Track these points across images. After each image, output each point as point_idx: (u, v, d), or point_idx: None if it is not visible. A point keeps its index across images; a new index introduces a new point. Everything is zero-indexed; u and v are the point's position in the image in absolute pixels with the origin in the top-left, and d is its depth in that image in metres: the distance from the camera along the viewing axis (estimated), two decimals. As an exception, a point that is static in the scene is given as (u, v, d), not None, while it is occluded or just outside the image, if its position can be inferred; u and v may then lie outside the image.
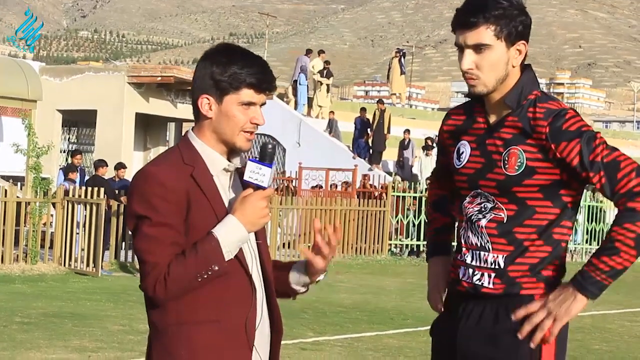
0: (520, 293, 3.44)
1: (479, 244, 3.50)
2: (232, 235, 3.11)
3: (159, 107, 25.74)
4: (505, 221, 3.45)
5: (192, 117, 3.27)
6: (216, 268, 3.08)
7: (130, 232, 3.19)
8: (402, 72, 37.48)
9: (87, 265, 16.93)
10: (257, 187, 3.17)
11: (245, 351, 3.18)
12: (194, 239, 3.10)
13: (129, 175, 20.62)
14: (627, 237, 3.30)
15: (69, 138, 28.07)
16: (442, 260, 3.79)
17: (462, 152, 3.57)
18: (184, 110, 26.12)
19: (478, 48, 3.44)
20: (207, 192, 3.14)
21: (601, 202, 26.56)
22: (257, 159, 3.21)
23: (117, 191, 18.22)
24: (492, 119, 3.53)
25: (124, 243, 18.54)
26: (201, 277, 3.07)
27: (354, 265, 21.55)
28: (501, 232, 3.45)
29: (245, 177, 3.18)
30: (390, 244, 23.97)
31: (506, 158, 3.44)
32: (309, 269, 3.39)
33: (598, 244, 24.87)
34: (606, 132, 52.31)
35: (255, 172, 3.17)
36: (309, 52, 34.83)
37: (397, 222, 24.16)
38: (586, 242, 26.68)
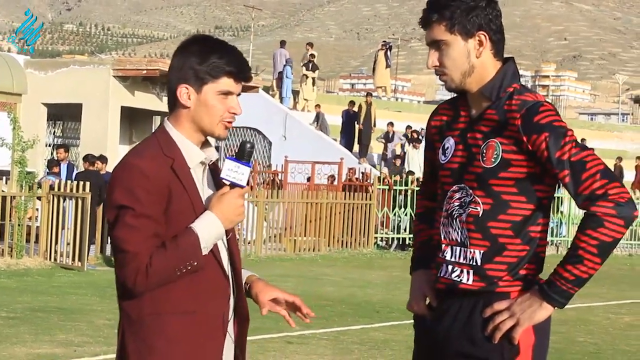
0: (496, 290, 3.44)
1: (458, 239, 3.50)
2: (210, 232, 3.17)
3: (145, 100, 25.68)
4: (480, 215, 3.45)
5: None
6: (195, 263, 3.14)
7: (108, 221, 3.23)
8: (388, 66, 37.49)
9: (73, 259, 16.91)
10: (234, 185, 3.22)
11: (220, 342, 3.25)
12: (172, 231, 3.15)
13: (112, 168, 20.56)
14: (590, 245, 3.30)
15: (54, 132, 27.99)
16: (425, 273, 3.73)
17: (447, 148, 3.58)
18: (170, 103, 26.02)
19: (437, 45, 3.50)
20: (186, 184, 3.20)
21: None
22: (235, 156, 3.24)
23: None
24: (474, 112, 3.54)
25: (109, 237, 18.50)
26: (180, 270, 3.13)
27: (339, 258, 21.58)
28: (477, 226, 3.45)
29: (223, 175, 3.23)
30: (376, 237, 24.00)
31: (484, 151, 3.45)
32: (253, 293, 3.44)
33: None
34: (591, 124, 52.37)
35: (234, 171, 3.22)
36: (283, 43, 34.84)
37: (383, 215, 24.19)
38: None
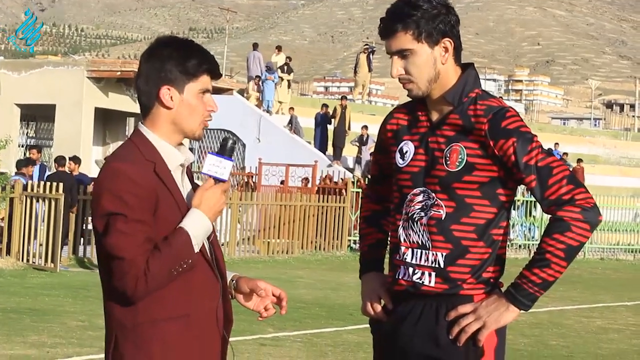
0: (460, 293, 3.45)
1: (420, 242, 3.50)
2: (199, 228, 3.17)
3: (119, 101, 25.62)
4: (443, 218, 3.46)
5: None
6: (189, 261, 3.13)
7: (96, 231, 3.16)
8: (370, 69, 37.44)
9: (46, 260, 16.84)
10: (217, 180, 3.23)
11: (216, 341, 3.25)
12: (161, 234, 3.12)
13: (86, 169, 20.49)
14: (557, 249, 3.34)
15: (27, 132, 27.88)
16: (377, 276, 3.75)
17: (407, 152, 3.57)
18: (144, 105, 25.93)
19: (402, 54, 3.49)
20: (170, 187, 3.19)
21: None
22: (216, 152, 3.25)
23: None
24: (434, 117, 3.55)
25: (82, 238, 18.45)
26: (176, 270, 3.11)
27: (313, 261, 21.59)
28: (439, 229, 3.46)
29: (205, 170, 3.23)
30: (350, 240, 24.02)
31: (448, 155, 3.46)
32: (242, 284, 3.42)
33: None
34: (564, 129, 52.61)
35: (216, 165, 3.23)
36: (256, 46, 34.77)
37: (357, 218, 24.21)
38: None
